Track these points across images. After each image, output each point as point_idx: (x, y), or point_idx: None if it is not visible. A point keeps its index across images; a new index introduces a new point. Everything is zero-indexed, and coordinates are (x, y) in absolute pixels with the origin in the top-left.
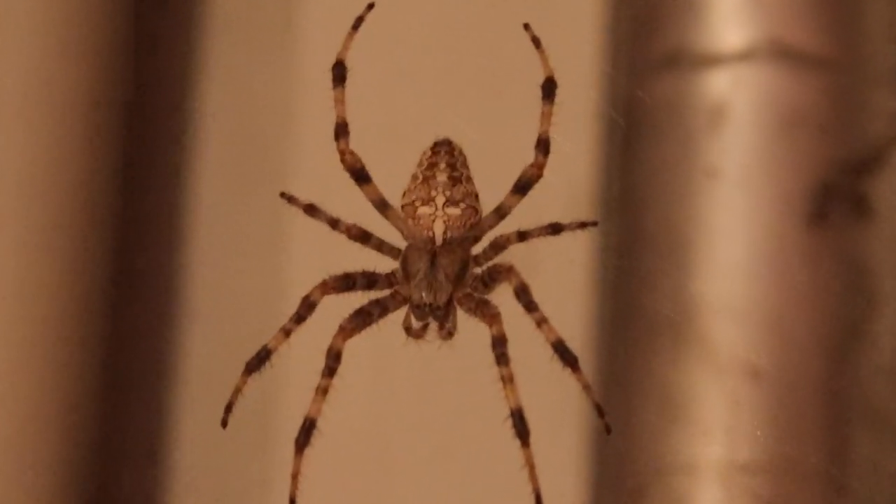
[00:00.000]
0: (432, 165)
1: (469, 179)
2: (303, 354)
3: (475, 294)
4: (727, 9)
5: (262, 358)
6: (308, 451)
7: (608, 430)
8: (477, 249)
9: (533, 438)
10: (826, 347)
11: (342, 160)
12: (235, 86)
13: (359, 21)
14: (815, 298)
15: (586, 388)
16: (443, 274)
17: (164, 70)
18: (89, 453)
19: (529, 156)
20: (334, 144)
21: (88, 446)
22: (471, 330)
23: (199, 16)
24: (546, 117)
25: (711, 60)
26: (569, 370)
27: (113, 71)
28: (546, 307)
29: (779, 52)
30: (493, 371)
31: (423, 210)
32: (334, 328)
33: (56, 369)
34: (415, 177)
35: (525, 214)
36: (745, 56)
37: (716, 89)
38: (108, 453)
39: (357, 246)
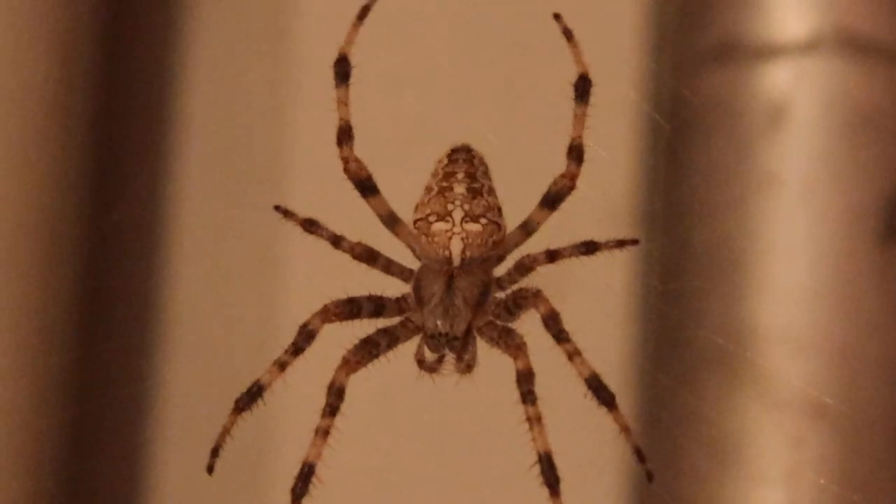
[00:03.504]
0: (449, 175)
1: (491, 191)
2: (300, 391)
3: (498, 322)
4: None
5: (253, 394)
6: (306, 502)
7: (650, 477)
8: (500, 271)
9: (564, 487)
10: None
11: (345, 169)
12: (223, 83)
13: (364, 10)
14: (887, 325)
15: (625, 429)
16: (461, 299)
17: (140, 64)
18: (60, 493)
19: (560, 165)
20: (336, 151)
21: (58, 484)
22: (493, 363)
23: (180, 4)
24: (579, 120)
25: (769, 53)
26: (605, 409)
27: (83, 65)
28: (579, 338)
29: (846, 44)
30: (519, 410)
31: (439, 226)
32: (336, 361)
33: (22, 408)
34: (429, 188)
35: (555, 232)
36: (807, 48)
37: (774, 86)
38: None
39: (363, 267)
